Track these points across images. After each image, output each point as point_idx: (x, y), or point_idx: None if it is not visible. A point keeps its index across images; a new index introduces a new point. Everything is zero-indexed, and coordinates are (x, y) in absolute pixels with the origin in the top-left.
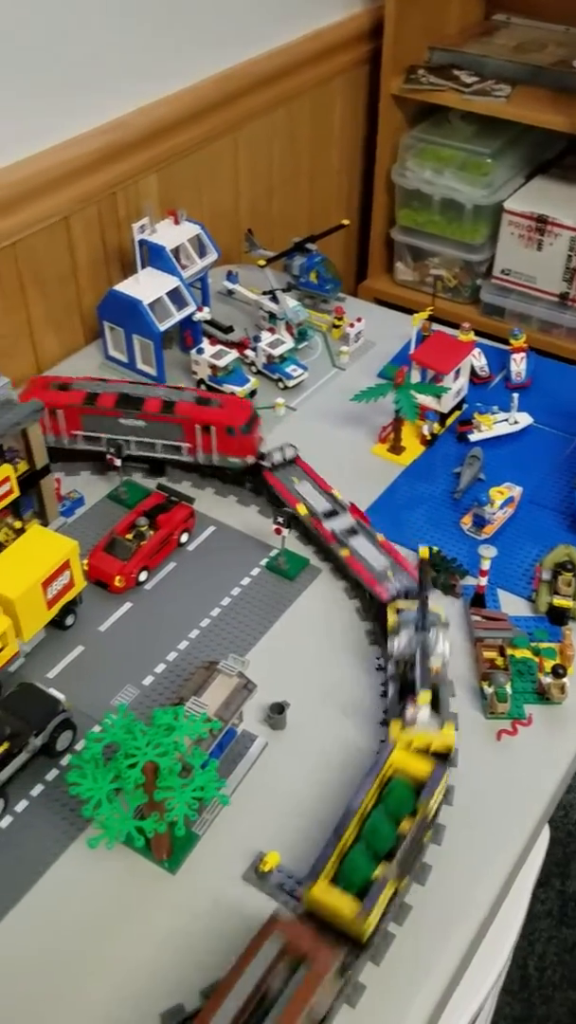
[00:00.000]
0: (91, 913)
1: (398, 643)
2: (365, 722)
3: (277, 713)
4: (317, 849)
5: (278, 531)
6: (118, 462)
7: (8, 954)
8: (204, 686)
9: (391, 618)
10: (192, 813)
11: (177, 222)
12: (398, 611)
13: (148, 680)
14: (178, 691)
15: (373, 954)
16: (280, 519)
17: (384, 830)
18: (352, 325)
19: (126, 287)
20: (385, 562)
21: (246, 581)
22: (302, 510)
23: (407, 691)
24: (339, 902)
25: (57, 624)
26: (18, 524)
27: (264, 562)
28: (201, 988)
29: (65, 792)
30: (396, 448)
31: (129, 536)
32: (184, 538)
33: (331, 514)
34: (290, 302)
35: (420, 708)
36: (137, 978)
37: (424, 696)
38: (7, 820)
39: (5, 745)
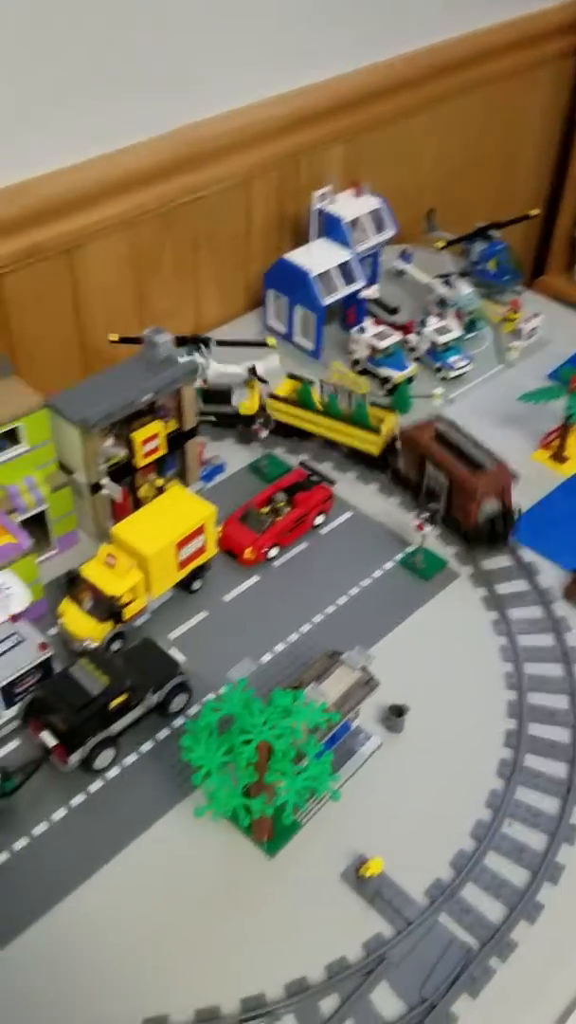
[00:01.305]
0: (183, 879)
1: None
2: (485, 742)
3: (396, 716)
4: (422, 861)
5: (420, 527)
6: (264, 433)
7: (98, 908)
8: (325, 675)
9: None
10: (301, 803)
11: (358, 194)
12: None
13: (266, 657)
14: (298, 675)
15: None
16: (424, 515)
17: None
18: (528, 320)
19: (297, 256)
20: None
21: (378, 574)
22: None
23: None
24: None
25: (184, 587)
26: (160, 482)
27: (400, 557)
28: (286, 983)
29: (174, 754)
30: (559, 457)
31: (265, 510)
32: (319, 520)
33: None
34: (464, 288)
35: None
36: (218, 953)
37: None
38: (115, 771)
39: (123, 697)
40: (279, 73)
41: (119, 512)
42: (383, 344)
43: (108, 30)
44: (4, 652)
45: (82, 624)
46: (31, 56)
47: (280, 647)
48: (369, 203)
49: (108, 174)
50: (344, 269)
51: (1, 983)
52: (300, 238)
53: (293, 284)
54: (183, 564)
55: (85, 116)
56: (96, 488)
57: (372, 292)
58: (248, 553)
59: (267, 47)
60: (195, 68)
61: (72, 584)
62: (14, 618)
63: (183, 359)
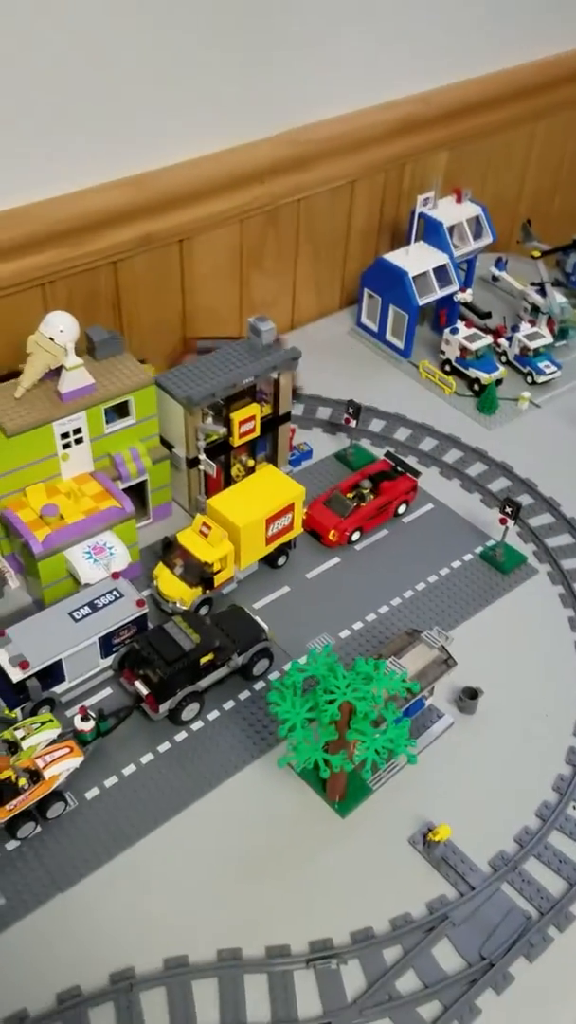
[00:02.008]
0: (258, 829)
1: None
2: (556, 730)
3: (470, 698)
4: (487, 834)
5: (503, 521)
6: (353, 423)
7: (177, 847)
8: (404, 651)
9: None
10: (380, 761)
11: (460, 201)
12: None
13: (344, 633)
14: (377, 649)
15: None
16: (508, 509)
17: None
18: None
19: (395, 257)
20: None
21: (456, 564)
22: None
23: None
24: None
25: (270, 562)
26: (251, 463)
27: (479, 550)
28: (352, 931)
29: (254, 714)
30: None
31: (350, 496)
32: (402, 509)
33: None
34: (558, 297)
35: None
36: (288, 898)
37: None
38: (199, 724)
39: (210, 656)
40: (390, 80)
41: (211, 488)
42: (474, 346)
43: (237, 34)
44: (105, 606)
45: (174, 587)
46: (164, 53)
47: (357, 625)
48: (469, 210)
49: (222, 170)
50: (440, 272)
51: (89, 906)
52: (397, 240)
53: (389, 284)
54: (270, 540)
55: (202, 114)
56: (193, 463)
57: (466, 296)
58: (332, 535)
59: (380, 55)
60: (309, 73)
61: (167, 550)
62: (115, 575)
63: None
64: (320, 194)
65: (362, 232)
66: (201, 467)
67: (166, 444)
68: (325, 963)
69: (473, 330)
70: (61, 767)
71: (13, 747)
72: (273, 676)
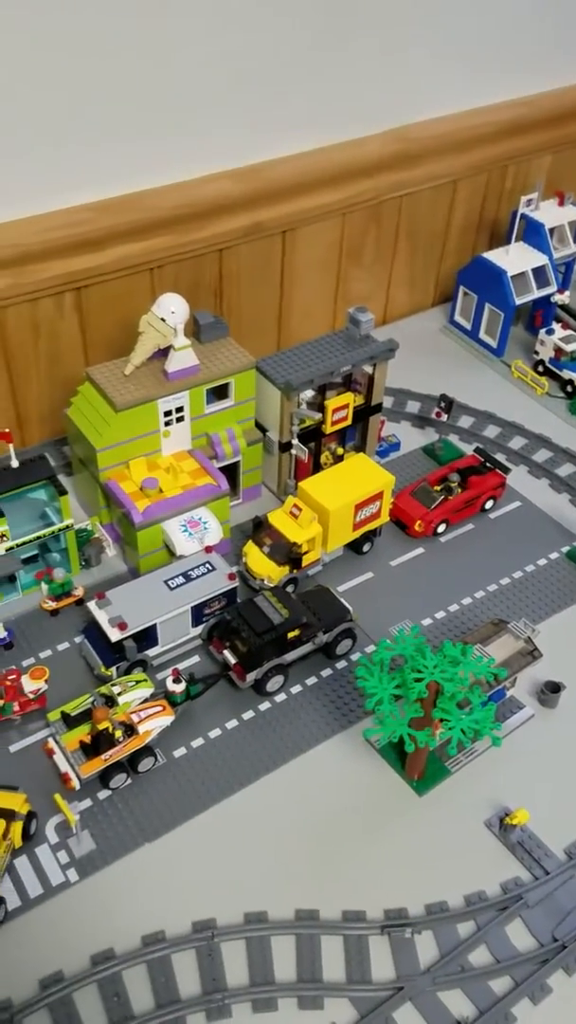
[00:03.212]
0: (337, 799)
1: None
2: None
3: (552, 691)
4: (564, 823)
5: None
6: (445, 417)
7: (259, 809)
8: (489, 640)
9: None
10: (466, 740)
11: (562, 204)
12: None
13: (426, 621)
14: (463, 636)
15: None
16: None
17: None
18: None
19: (494, 256)
20: None
21: (542, 562)
22: None
23: None
24: None
25: (355, 548)
26: (340, 451)
27: (566, 550)
28: (427, 903)
29: (335, 691)
30: None
31: (438, 488)
32: (489, 504)
33: None
34: None
35: None
36: (366, 867)
37: None
38: (282, 696)
39: (297, 631)
40: (497, 83)
41: (301, 473)
42: (570, 347)
43: (350, 33)
44: (198, 577)
45: (263, 565)
46: (280, 51)
47: (440, 614)
48: (571, 213)
49: (331, 164)
50: (539, 273)
51: (173, 857)
52: (495, 240)
53: (486, 282)
54: (358, 526)
55: (313, 109)
56: (286, 447)
57: (563, 297)
58: (418, 525)
59: (487, 58)
60: (419, 73)
61: (257, 529)
62: (208, 549)
63: None
64: (423, 191)
65: (461, 230)
66: (293, 451)
67: (260, 428)
68: (400, 931)
69: (569, 332)
70: (154, 724)
71: (110, 702)
72: (355, 656)
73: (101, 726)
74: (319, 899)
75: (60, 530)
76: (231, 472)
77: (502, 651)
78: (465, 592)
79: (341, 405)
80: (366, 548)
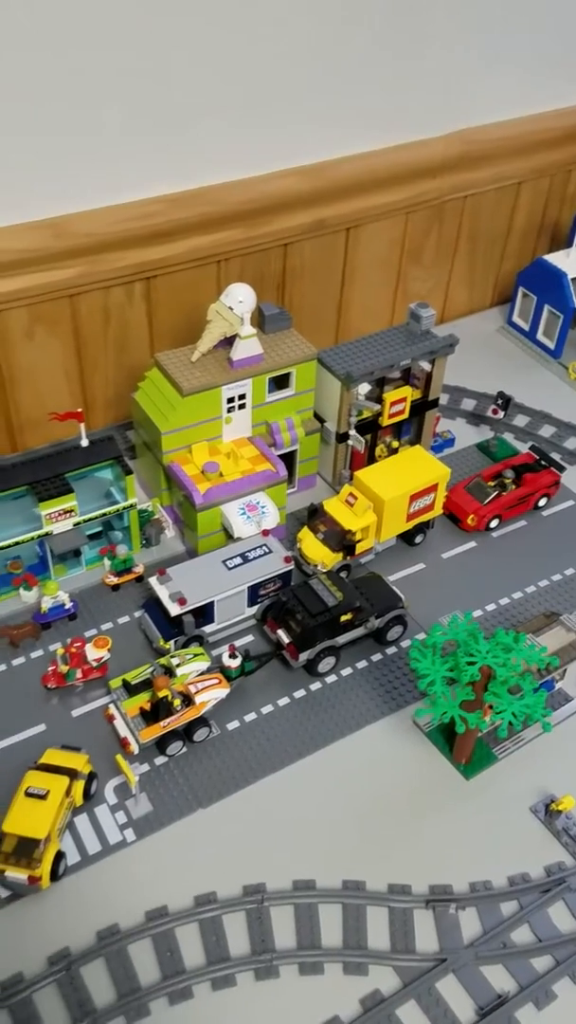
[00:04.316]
0: (384, 778)
1: None
2: None
3: None
4: None
5: None
6: (501, 414)
7: (308, 783)
8: (541, 631)
9: None
10: (516, 723)
11: None
12: None
13: (477, 613)
14: (515, 626)
15: None
16: None
17: None
18: None
19: (555, 259)
20: None
21: None
22: None
23: None
24: None
25: (407, 539)
26: (395, 444)
27: None
28: (471, 881)
29: (385, 675)
30: None
31: (491, 483)
32: (542, 502)
33: None
34: None
35: None
36: (411, 844)
37: None
38: (333, 678)
39: (350, 615)
40: (563, 88)
41: (356, 464)
42: None
43: (418, 34)
44: (255, 558)
45: (317, 551)
46: (347, 50)
47: (490, 607)
48: None
49: (397, 163)
50: None
51: (226, 823)
52: (556, 243)
53: (547, 284)
54: (411, 516)
55: (380, 108)
56: (343, 438)
57: None
58: (471, 519)
59: (554, 63)
60: (486, 76)
61: (312, 516)
62: (265, 533)
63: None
64: (486, 193)
65: (522, 232)
66: (350, 442)
67: (318, 418)
68: (444, 906)
69: None
70: (210, 695)
71: (169, 673)
72: (405, 644)
73: (161, 694)
74: (365, 871)
75: (124, 509)
76: (287, 461)
77: (553, 642)
78: (515, 587)
79: (399, 398)
80: (418, 540)
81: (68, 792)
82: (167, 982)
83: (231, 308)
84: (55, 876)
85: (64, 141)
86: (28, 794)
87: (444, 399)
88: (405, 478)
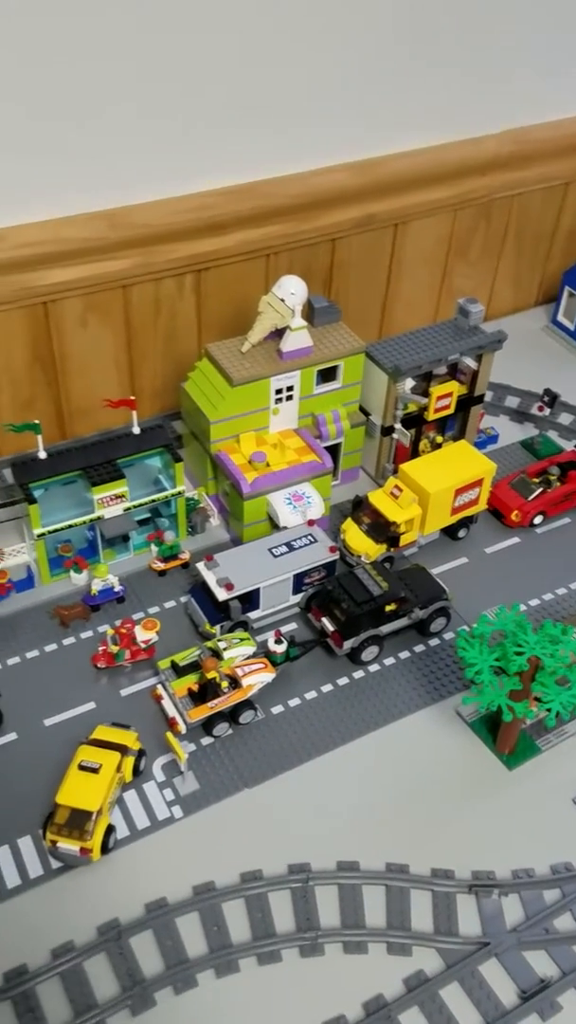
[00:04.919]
0: (426, 766)
1: None
2: None
3: None
4: None
5: None
6: (547, 411)
7: (350, 768)
8: None
9: None
10: (565, 713)
11: None
12: None
13: (521, 608)
14: (562, 618)
15: None
16: None
17: None
18: None
19: None
20: None
21: None
22: None
23: None
24: None
25: (450, 533)
26: (439, 439)
27: None
28: (513, 869)
29: (428, 666)
30: None
31: (536, 480)
32: None
33: None
34: None
35: None
36: (453, 830)
37: None
38: (376, 667)
39: (394, 605)
40: None
41: (400, 457)
42: None
43: (468, 34)
44: (300, 547)
45: (361, 542)
46: (400, 49)
47: (534, 602)
48: None
49: (447, 160)
50: None
51: (271, 803)
52: None
53: None
54: (456, 511)
55: (434, 105)
56: (388, 431)
57: None
58: (515, 515)
59: None
60: (538, 75)
61: (357, 507)
62: (310, 522)
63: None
64: (534, 192)
65: (569, 232)
66: (395, 436)
67: (363, 412)
68: (487, 891)
69: None
70: (256, 679)
71: (216, 656)
72: (448, 636)
73: (210, 675)
74: (408, 855)
75: (173, 495)
76: (332, 453)
77: None
78: (559, 583)
79: (446, 393)
80: (462, 534)
81: (119, 768)
82: (214, 955)
83: (283, 300)
84: (105, 849)
85: (129, 134)
86: (81, 767)
87: (488, 396)
88: (451, 472)
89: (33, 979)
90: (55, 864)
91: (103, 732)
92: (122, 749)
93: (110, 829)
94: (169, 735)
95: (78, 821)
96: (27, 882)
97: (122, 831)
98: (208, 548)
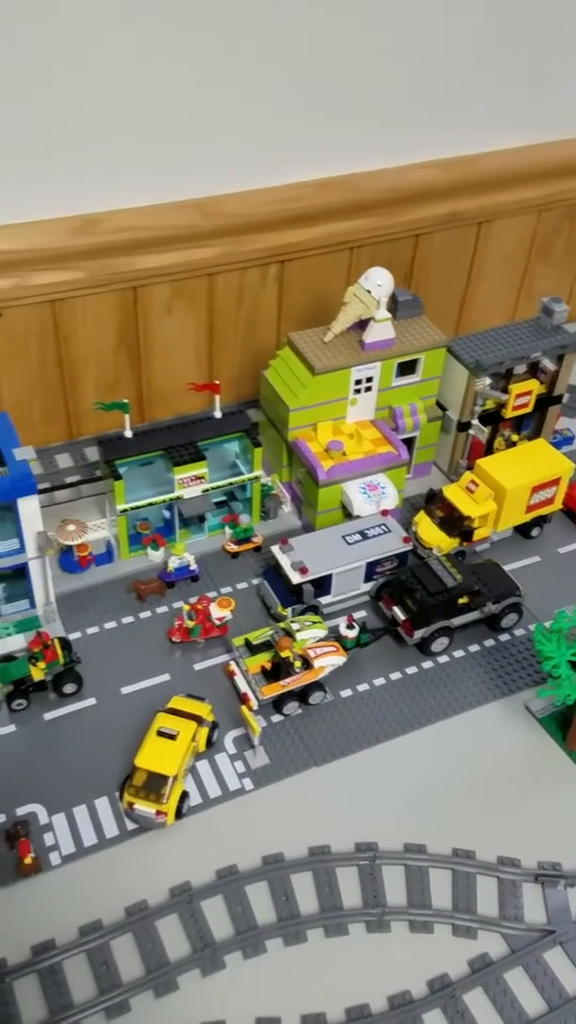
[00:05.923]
0: (493, 758)
1: None
2: None
3: None
4: None
5: None
6: None
7: (416, 756)
8: None
9: None
10: None
11: None
12: None
13: None
14: None
15: None
16: None
17: None
18: None
19: None
20: None
21: None
22: None
23: None
24: None
25: (523, 531)
26: (514, 438)
27: None
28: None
29: (498, 660)
30: None
31: None
32: None
33: None
34: None
35: None
36: (520, 821)
37: None
38: (445, 658)
39: (467, 598)
40: None
41: (474, 454)
42: None
43: (563, 34)
44: (374, 536)
45: (433, 534)
46: (493, 52)
47: None
48: None
49: (536, 161)
50: None
51: (339, 782)
52: None
53: None
54: (530, 509)
55: (527, 105)
56: (464, 427)
57: None
58: None
59: None
60: None
61: (430, 500)
62: (384, 513)
63: None
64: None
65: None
66: (471, 431)
67: (440, 407)
68: (553, 882)
69: None
70: (327, 661)
71: (289, 636)
72: (519, 632)
73: (284, 654)
74: (474, 842)
75: (250, 480)
76: (406, 446)
77: None
78: None
79: (525, 391)
80: (535, 533)
81: (194, 737)
82: (282, 923)
83: (369, 291)
84: (179, 814)
85: (230, 120)
86: (160, 733)
87: (565, 398)
88: (528, 469)
89: (108, 934)
90: (130, 826)
91: (179, 702)
92: (198, 719)
93: (184, 795)
94: (244, 709)
95: (155, 784)
96: (103, 841)
97: (195, 798)
98: (280, 534)
